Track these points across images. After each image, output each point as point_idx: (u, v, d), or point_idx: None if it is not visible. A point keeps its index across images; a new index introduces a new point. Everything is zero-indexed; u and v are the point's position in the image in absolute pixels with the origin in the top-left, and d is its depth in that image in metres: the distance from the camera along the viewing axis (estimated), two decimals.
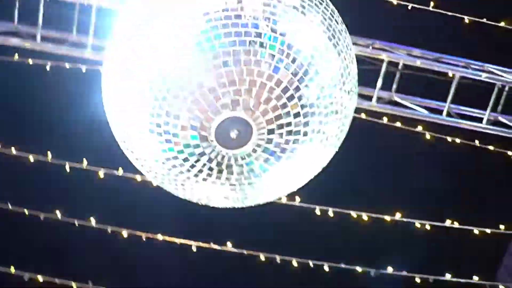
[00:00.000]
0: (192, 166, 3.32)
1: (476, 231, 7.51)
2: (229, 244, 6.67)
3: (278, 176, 3.41)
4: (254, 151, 3.29)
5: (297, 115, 3.27)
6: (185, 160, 3.31)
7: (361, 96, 6.67)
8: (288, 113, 3.26)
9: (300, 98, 3.25)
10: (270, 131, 3.26)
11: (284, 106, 3.24)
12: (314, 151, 3.39)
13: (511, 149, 7.46)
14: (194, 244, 6.48)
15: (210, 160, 3.30)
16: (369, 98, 6.79)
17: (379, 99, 6.83)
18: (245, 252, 6.67)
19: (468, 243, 7.67)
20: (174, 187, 3.50)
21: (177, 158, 3.32)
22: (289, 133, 3.28)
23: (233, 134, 3.22)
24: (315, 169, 3.54)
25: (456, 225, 7.47)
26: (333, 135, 3.41)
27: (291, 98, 3.24)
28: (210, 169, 3.33)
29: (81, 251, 6.94)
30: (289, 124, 3.26)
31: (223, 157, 3.29)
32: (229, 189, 3.42)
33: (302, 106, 3.27)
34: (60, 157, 5.96)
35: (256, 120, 3.22)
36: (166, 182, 3.48)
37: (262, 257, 6.80)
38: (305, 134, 3.31)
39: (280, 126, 3.26)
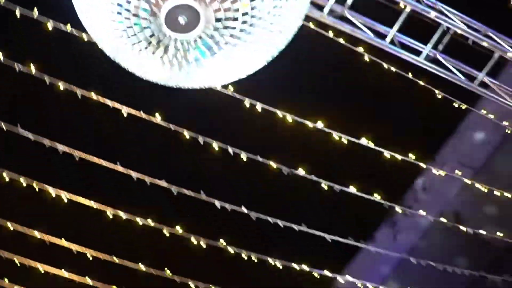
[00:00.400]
0: (134, 35, 3.55)
1: (387, 155, 7.87)
2: (157, 116, 6.84)
3: (206, 69, 3.67)
4: (195, 41, 3.53)
5: (244, 22, 3.50)
6: (129, 27, 3.53)
7: (313, 4, 6.79)
8: (237, 18, 3.49)
9: (252, 8, 3.47)
10: (216, 29, 3.49)
11: (236, 10, 3.46)
12: (246, 58, 3.65)
13: (439, 88, 7.74)
14: (125, 110, 6.64)
15: (151, 36, 3.53)
16: (321, 8, 6.91)
17: (330, 12, 6.96)
18: (172, 127, 6.87)
19: (380, 164, 8.02)
20: (110, 46, 3.70)
21: (122, 23, 3.52)
22: (232, 36, 3.52)
23: (182, 20, 3.43)
24: (239, 74, 3.81)
25: (371, 145, 7.78)
26: (269, 50, 3.67)
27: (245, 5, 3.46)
28: (149, 43, 3.57)
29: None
30: (234, 28, 3.49)
31: (164, 36, 3.52)
32: (159, 66, 3.66)
33: (252, 16, 3.50)
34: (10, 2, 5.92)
35: (207, 14, 3.44)
36: (104, 39, 3.69)
37: (187, 135, 6.99)
38: (245, 41, 3.55)
39: (226, 27, 3.49)
